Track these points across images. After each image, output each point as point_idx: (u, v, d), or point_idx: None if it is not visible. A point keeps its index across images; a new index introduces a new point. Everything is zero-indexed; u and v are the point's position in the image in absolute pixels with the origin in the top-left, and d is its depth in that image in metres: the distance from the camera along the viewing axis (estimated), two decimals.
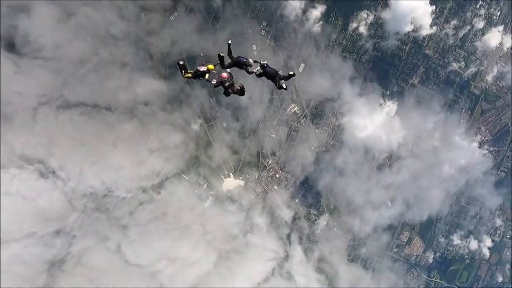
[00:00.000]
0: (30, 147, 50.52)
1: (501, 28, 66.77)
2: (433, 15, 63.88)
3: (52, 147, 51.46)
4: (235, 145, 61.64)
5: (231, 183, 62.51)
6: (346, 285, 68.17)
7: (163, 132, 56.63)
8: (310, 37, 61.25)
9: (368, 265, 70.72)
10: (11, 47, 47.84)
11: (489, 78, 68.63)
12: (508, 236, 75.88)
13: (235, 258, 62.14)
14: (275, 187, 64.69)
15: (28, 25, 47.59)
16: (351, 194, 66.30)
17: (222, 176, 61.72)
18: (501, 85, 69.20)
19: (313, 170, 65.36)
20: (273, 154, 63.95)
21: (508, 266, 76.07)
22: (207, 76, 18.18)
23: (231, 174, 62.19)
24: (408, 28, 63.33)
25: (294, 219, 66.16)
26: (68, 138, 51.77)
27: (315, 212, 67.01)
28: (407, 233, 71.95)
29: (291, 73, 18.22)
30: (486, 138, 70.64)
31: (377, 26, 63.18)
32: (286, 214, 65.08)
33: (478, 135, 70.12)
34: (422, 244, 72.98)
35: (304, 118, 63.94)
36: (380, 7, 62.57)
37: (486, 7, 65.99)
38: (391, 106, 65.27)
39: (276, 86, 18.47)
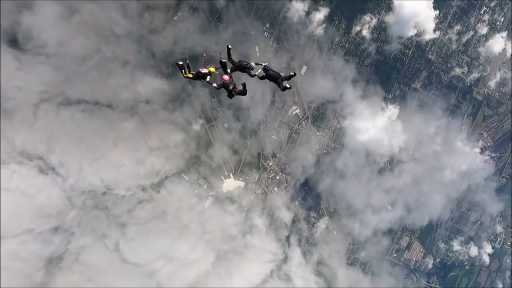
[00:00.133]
0: (30, 143, 50.55)
1: (504, 34, 66.64)
2: (437, 20, 63.79)
3: (52, 143, 51.49)
4: (235, 145, 61.57)
5: (231, 184, 62.35)
6: None
7: (163, 130, 56.59)
8: (313, 40, 61.24)
9: (367, 269, 70.32)
10: (14, 42, 48.01)
11: (492, 84, 68.43)
12: (509, 243, 75.46)
13: (234, 259, 61.93)
14: (275, 189, 64.50)
15: (32, 21, 47.80)
16: (351, 197, 66.12)
17: (222, 177, 61.59)
18: (503, 91, 69.00)
19: (314, 172, 65.18)
20: (274, 155, 63.80)
21: (508, 273, 75.56)
22: (208, 78, 18.36)
23: (231, 175, 62.05)
24: (411, 32, 63.21)
25: (294, 221, 65.93)
26: (68, 135, 51.83)
27: (315, 215, 66.77)
28: (407, 237, 71.59)
29: (292, 73, 18.60)
30: (488, 144, 70.40)
31: (380, 30, 63.14)
32: (285, 216, 64.90)
33: (480, 141, 69.85)
34: (421, 249, 72.60)
35: (305, 121, 63.83)
36: (383, 11, 62.55)
37: (490, 13, 65.94)
38: (393, 110, 65.12)
39: (280, 88, 18.70)
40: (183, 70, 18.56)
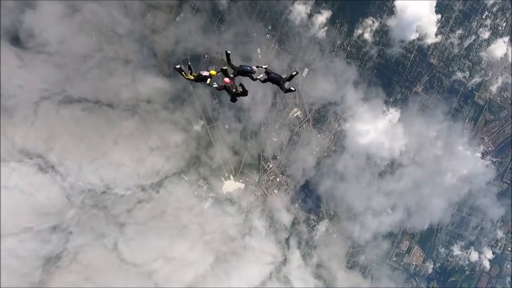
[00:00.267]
0: (31, 141, 50.52)
1: (506, 39, 66.70)
2: (439, 24, 63.91)
3: (53, 142, 51.46)
4: (236, 147, 61.51)
5: (231, 185, 62.20)
6: None
7: (164, 130, 56.56)
8: (315, 42, 61.36)
9: (367, 273, 69.95)
10: (16, 40, 48.04)
11: (494, 88, 68.42)
12: (509, 248, 75.08)
13: (233, 260, 61.74)
14: (275, 190, 64.33)
15: (34, 19, 47.89)
16: (351, 200, 66.00)
17: (222, 178, 61.44)
18: (505, 96, 68.96)
19: (314, 175, 65.06)
20: (274, 157, 63.67)
21: (509, 279, 75.10)
22: (208, 81, 18.50)
23: (231, 176, 61.90)
24: (413, 36, 63.28)
25: (293, 223, 65.71)
26: (68, 133, 51.83)
27: (315, 217, 66.54)
28: (407, 242, 71.27)
29: (294, 73, 18.89)
30: (489, 148, 70.22)
31: (382, 33, 63.22)
32: (285, 218, 64.66)
33: (481, 145, 69.71)
34: (422, 254, 72.22)
35: (306, 123, 63.78)
36: (385, 14, 62.64)
37: (492, 17, 66.04)
38: (394, 113, 65.04)
39: (283, 90, 18.94)
40: (183, 72, 18.72)
